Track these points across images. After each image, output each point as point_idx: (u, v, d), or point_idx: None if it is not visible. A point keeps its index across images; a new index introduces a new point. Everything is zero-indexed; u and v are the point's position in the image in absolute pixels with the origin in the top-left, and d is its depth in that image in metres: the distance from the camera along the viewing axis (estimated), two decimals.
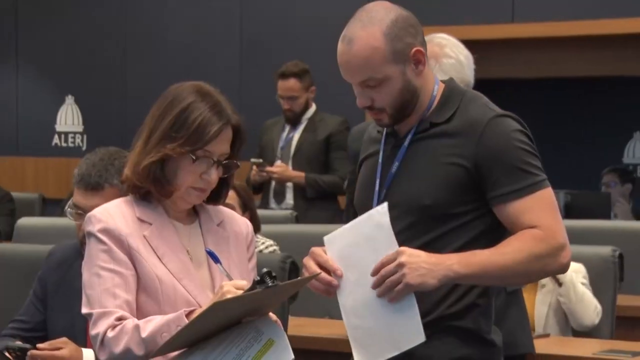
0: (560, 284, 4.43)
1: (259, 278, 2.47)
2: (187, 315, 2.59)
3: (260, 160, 6.72)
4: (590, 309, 4.41)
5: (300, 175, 6.72)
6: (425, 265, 2.65)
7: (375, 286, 2.67)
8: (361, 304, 2.71)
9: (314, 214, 6.58)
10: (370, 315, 2.70)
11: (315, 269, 2.74)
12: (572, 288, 4.41)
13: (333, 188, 6.69)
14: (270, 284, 2.46)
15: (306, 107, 6.82)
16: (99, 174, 3.23)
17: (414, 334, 2.67)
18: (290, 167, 6.77)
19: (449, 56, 3.70)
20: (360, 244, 2.71)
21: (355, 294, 2.72)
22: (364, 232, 2.72)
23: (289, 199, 6.78)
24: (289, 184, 6.80)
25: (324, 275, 2.74)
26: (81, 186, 3.25)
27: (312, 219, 6.40)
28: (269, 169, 6.70)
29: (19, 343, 3.15)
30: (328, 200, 6.76)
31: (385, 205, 2.70)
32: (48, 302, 3.36)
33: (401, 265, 2.64)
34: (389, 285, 2.65)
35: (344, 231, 2.75)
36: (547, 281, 4.46)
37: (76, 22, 9.24)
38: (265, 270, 2.48)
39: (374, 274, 2.67)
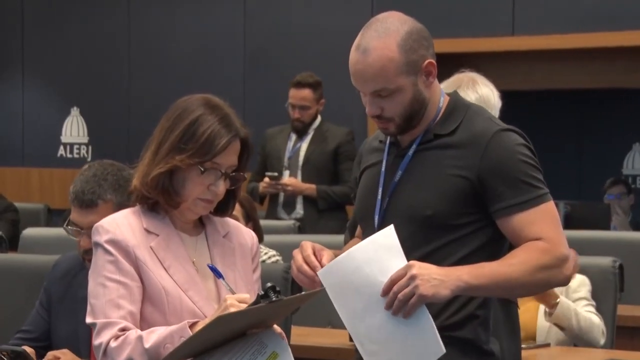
0: (550, 314, 4.20)
1: (263, 292, 2.47)
2: (191, 326, 2.59)
3: (276, 174, 6.75)
4: (598, 334, 4.25)
5: (311, 187, 6.75)
6: (436, 276, 2.61)
7: (389, 305, 2.61)
8: (375, 328, 2.64)
9: (323, 224, 6.63)
10: (386, 339, 2.64)
11: (301, 263, 2.72)
12: (574, 318, 4.20)
13: (344, 198, 6.73)
14: (274, 299, 2.46)
15: (314, 118, 6.86)
16: (92, 190, 3.23)
17: (433, 348, 2.63)
18: (299, 177, 6.81)
19: (487, 85, 3.70)
20: (363, 269, 2.63)
21: (366, 320, 2.64)
22: (368, 257, 2.64)
23: (299, 209, 6.81)
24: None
25: (306, 269, 2.71)
26: (76, 204, 3.25)
27: (322, 228, 6.45)
28: (282, 181, 6.74)
29: (10, 346, 3.16)
30: (337, 210, 6.80)
31: (391, 227, 2.68)
32: (52, 312, 3.36)
33: (413, 278, 2.59)
34: (402, 300, 2.59)
35: (341, 260, 2.66)
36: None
37: (82, 34, 9.24)
38: (269, 284, 2.47)
39: (385, 293, 2.62)
